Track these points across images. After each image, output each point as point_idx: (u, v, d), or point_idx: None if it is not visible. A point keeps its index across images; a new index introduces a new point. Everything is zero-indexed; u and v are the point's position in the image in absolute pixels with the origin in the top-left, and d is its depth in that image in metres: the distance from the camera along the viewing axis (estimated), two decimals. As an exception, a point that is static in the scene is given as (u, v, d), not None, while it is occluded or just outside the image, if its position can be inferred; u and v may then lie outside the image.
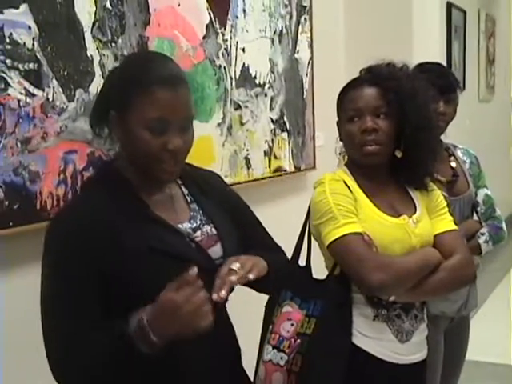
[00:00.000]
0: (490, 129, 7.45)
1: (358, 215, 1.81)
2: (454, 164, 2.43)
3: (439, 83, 2.28)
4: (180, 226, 1.51)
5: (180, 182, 1.60)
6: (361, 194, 1.86)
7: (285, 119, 3.09)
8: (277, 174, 3.04)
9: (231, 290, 1.44)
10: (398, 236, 1.82)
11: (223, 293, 1.38)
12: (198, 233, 1.53)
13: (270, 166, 2.97)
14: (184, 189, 1.60)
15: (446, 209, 1.96)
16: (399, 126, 1.83)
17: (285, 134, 3.09)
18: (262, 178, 2.91)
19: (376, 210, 1.84)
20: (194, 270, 1.27)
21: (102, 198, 1.42)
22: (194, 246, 1.49)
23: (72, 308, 1.36)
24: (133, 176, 1.48)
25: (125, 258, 1.37)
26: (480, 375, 4.07)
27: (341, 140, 1.96)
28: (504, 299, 5.56)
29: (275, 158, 3.01)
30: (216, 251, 1.53)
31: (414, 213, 1.89)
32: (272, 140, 2.98)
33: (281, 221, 2.94)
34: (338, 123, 1.95)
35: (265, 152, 2.93)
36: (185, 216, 1.54)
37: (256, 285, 1.54)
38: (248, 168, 2.79)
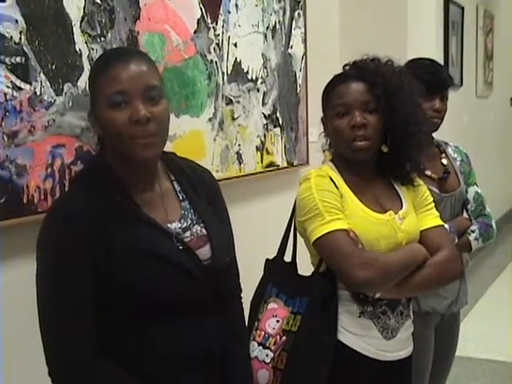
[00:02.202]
0: (487, 125, 7.45)
1: (344, 211, 1.81)
2: (445, 161, 2.43)
3: (434, 81, 2.27)
4: (169, 225, 1.50)
5: (172, 178, 1.59)
6: (347, 189, 1.86)
7: (277, 114, 3.08)
8: (269, 169, 3.04)
9: None
10: (384, 232, 1.82)
11: None
12: (188, 233, 1.52)
13: (262, 162, 2.97)
14: (176, 185, 1.59)
15: (433, 204, 1.95)
16: (386, 120, 1.83)
17: (277, 130, 3.09)
18: (254, 174, 2.91)
19: (362, 206, 1.84)
20: None
21: (91, 194, 1.43)
22: (182, 247, 1.48)
23: (68, 306, 1.37)
24: (122, 171, 1.48)
25: (111, 256, 1.38)
26: (474, 371, 4.09)
27: (326, 136, 1.95)
28: (499, 296, 5.56)
29: (267, 153, 3.01)
30: (205, 252, 1.52)
31: (401, 208, 1.89)
32: (264, 135, 2.98)
33: (273, 216, 2.94)
34: (322, 119, 1.94)
35: (257, 147, 2.92)
36: (175, 215, 1.53)
37: None
38: (240, 163, 2.79)
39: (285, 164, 3.18)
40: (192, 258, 1.48)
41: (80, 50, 1.96)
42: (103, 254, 1.37)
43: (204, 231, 1.55)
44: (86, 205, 1.40)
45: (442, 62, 4.86)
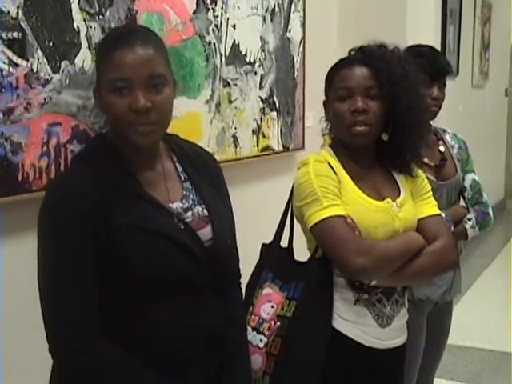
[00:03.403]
0: (482, 115, 7.44)
1: (342, 198, 1.80)
2: (442, 148, 2.42)
3: (433, 68, 2.26)
4: (171, 205, 1.49)
5: (175, 159, 1.58)
6: (345, 176, 1.84)
7: (274, 98, 3.06)
8: (265, 153, 3.02)
9: None
10: (382, 219, 1.81)
11: None
12: (189, 213, 1.51)
13: (258, 145, 2.95)
14: (178, 165, 1.58)
15: (431, 193, 1.94)
16: (388, 108, 1.81)
17: (274, 114, 3.07)
18: (250, 157, 2.89)
19: (360, 192, 1.83)
20: None
21: (94, 171, 1.42)
22: (184, 227, 1.48)
23: (70, 284, 1.36)
24: (124, 150, 1.48)
25: (112, 233, 1.37)
26: (463, 360, 4.11)
27: (327, 120, 1.94)
28: (488, 285, 5.59)
29: (264, 137, 2.99)
30: (206, 233, 1.52)
31: (398, 196, 1.88)
32: (261, 119, 2.95)
33: (267, 201, 2.93)
34: (324, 103, 1.92)
35: (253, 131, 2.90)
36: (177, 195, 1.53)
37: None
38: (236, 146, 2.77)
39: (280, 148, 3.16)
40: (193, 239, 1.48)
41: (78, 27, 1.92)
42: (105, 231, 1.37)
43: (205, 212, 1.54)
44: (89, 182, 1.39)
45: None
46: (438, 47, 5.23)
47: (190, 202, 1.54)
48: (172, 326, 1.43)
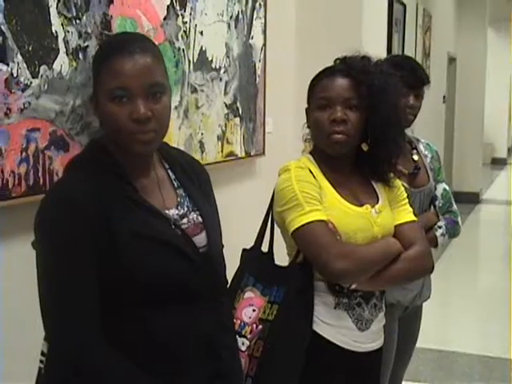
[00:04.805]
0: (422, 121, 7.61)
1: (323, 203, 1.84)
2: (416, 157, 2.49)
3: (411, 78, 2.33)
4: (167, 211, 1.50)
5: (167, 166, 1.59)
6: (325, 182, 1.89)
7: (238, 104, 3.08)
8: (229, 158, 3.03)
9: None
10: (361, 225, 1.86)
11: None
12: (185, 220, 1.53)
13: (222, 151, 2.96)
14: (171, 173, 1.59)
15: (407, 200, 2.01)
16: (367, 119, 1.86)
17: (237, 120, 3.09)
18: (215, 163, 2.90)
19: (340, 198, 1.87)
20: None
21: (91, 179, 1.41)
22: (180, 233, 1.49)
23: (73, 292, 1.36)
24: (119, 157, 1.47)
25: (112, 240, 1.37)
26: (417, 361, 4.21)
27: (308, 127, 1.98)
28: (439, 288, 5.73)
29: (228, 142, 3.01)
30: (201, 240, 1.53)
31: (377, 203, 1.93)
32: (225, 125, 2.97)
33: (231, 206, 2.95)
34: (306, 110, 1.96)
35: (218, 136, 2.92)
36: (172, 202, 1.54)
37: None
38: (202, 152, 2.77)
39: (243, 154, 3.18)
40: (190, 245, 1.49)
41: (56, 31, 1.90)
42: (106, 238, 1.36)
43: (200, 219, 1.56)
44: (88, 189, 1.38)
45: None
46: (385, 54, 5.36)
47: (185, 208, 1.55)
48: (170, 331, 1.44)
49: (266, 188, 3.40)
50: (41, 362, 1.53)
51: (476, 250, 7.82)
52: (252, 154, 3.28)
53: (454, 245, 5.84)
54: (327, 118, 1.85)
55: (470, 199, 10.11)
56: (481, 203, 10.52)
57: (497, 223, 9.29)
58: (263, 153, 3.40)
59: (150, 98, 1.41)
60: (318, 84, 1.90)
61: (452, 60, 9.58)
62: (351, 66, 1.88)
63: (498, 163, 15.79)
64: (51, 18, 1.89)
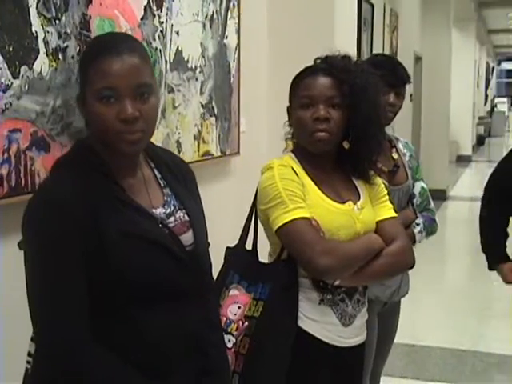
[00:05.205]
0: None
1: (306, 201, 1.86)
2: (395, 155, 2.53)
3: (391, 77, 2.37)
4: (154, 210, 1.51)
5: (153, 166, 1.60)
6: (308, 180, 1.91)
7: (213, 104, 3.09)
8: (205, 158, 3.04)
9: None
10: (344, 222, 1.89)
11: None
12: (172, 219, 1.53)
13: (198, 150, 2.97)
14: (157, 172, 1.59)
15: (387, 197, 2.04)
16: (349, 118, 1.89)
17: (213, 119, 3.10)
18: (192, 162, 2.90)
19: (323, 195, 1.90)
20: None
21: (78, 179, 1.41)
22: (167, 232, 1.49)
23: (62, 294, 1.36)
24: (105, 157, 1.47)
25: (100, 240, 1.37)
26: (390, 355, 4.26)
27: (290, 125, 2.00)
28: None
29: (204, 142, 3.02)
30: (187, 238, 1.54)
31: (358, 200, 1.96)
32: (201, 124, 2.98)
33: (207, 205, 2.95)
34: (288, 108, 1.98)
35: (194, 136, 2.93)
36: (159, 201, 1.54)
37: None
38: (179, 151, 2.78)
39: (219, 153, 3.19)
40: (177, 243, 1.50)
41: (36, 32, 1.89)
42: (95, 238, 1.36)
43: (186, 217, 1.57)
44: (75, 189, 1.38)
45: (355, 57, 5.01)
46: (354, 54, 5.41)
47: (172, 207, 1.56)
48: (159, 330, 1.45)
49: (241, 187, 3.44)
50: (27, 362, 1.53)
51: (444, 246, 7.93)
52: (227, 153, 3.29)
53: (423, 241, 5.95)
54: (310, 116, 1.87)
55: (438, 196, 10.22)
56: (448, 200, 10.66)
57: (463, 219, 9.43)
58: (238, 152, 3.42)
59: (137, 98, 1.42)
60: (300, 83, 1.92)
61: (418, 59, 9.70)
62: (333, 65, 1.90)
63: (462, 160, 16.02)
64: (31, 18, 1.88)
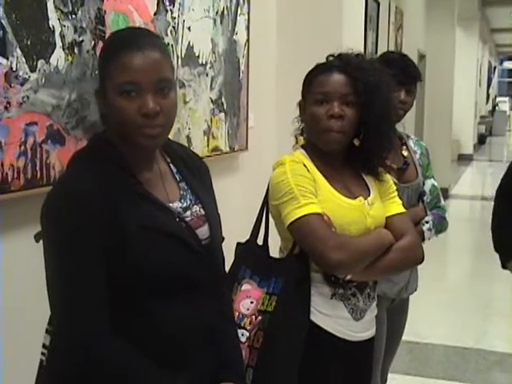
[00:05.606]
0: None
1: (317, 196, 1.88)
2: (405, 153, 2.54)
3: (403, 75, 2.38)
4: (171, 204, 1.52)
5: (168, 160, 1.61)
6: (319, 175, 1.92)
7: (223, 100, 3.11)
8: (214, 153, 3.06)
9: None
10: (355, 217, 1.90)
11: None
12: (188, 213, 1.55)
13: (208, 146, 2.99)
14: (172, 166, 1.61)
15: (396, 193, 2.06)
16: (361, 115, 1.90)
17: (222, 115, 3.12)
18: (202, 157, 2.92)
19: (334, 191, 1.91)
20: None
21: (97, 172, 1.42)
22: (184, 226, 1.51)
23: (83, 286, 1.37)
24: (123, 150, 1.48)
25: (121, 233, 1.38)
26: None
27: (302, 121, 2.01)
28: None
29: (213, 137, 3.04)
30: (203, 232, 1.56)
31: (369, 195, 1.98)
32: (211, 120, 3.00)
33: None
34: (300, 104, 1.99)
35: (204, 131, 2.95)
36: (175, 195, 1.56)
37: None
38: (189, 147, 2.79)
39: (227, 149, 3.21)
40: (194, 237, 1.51)
41: (53, 26, 1.91)
42: (115, 230, 1.37)
43: (202, 211, 1.58)
44: (95, 182, 1.39)
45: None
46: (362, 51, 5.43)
47: (188, 201, 1.57)
48: (174, 322, 1.46)
49: (249, 183, 3.46)
50: (42, 354, 1.54)
51: (446, 244, 7.95)
52: (236, 148, 3.31)
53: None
54: (324, 112, 1.88)
55: (440, 194, 10.25)
56: (449, 198, 10.68)
57: (465, 218, 9.45)
58: (246, 148, 3.43)
59: (158, 93, 1.43)
60: (314, 79, 1.93)
61: (422, 57, 9.70)
62: (347, 63, 1.91)
63: (464, 159, 16.03)
64: (48, 13, 1.90)
